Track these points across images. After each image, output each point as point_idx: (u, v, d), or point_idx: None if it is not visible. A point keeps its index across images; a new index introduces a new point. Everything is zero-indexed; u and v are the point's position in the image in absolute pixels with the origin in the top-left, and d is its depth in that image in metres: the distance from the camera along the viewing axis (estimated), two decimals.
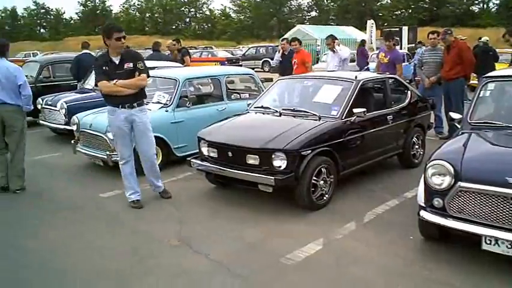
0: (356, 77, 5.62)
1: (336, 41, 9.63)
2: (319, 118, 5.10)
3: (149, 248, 4.11)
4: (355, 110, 5.14)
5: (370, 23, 26.09)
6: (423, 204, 3.73)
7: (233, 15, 73.39)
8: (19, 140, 5.67)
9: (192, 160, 5.41)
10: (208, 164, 5.17)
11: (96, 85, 4.94)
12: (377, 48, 22.76)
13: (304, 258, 3.83)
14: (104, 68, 4.82)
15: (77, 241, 4.32)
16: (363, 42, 18.18)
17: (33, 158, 7.39)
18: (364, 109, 5.16)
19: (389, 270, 3.63)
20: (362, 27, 33.05)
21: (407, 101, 6.27)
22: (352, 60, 14.08)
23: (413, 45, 24.16)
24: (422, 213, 3.73)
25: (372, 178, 5.90)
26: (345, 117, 5.15)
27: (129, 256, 3.98)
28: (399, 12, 60.03)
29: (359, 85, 5.49)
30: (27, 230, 4.64)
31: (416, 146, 6.37)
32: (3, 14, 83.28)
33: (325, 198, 4.94)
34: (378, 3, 61.45)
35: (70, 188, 5.97)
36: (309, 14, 70.90)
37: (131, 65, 4.85)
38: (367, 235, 4.28)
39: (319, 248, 4.01)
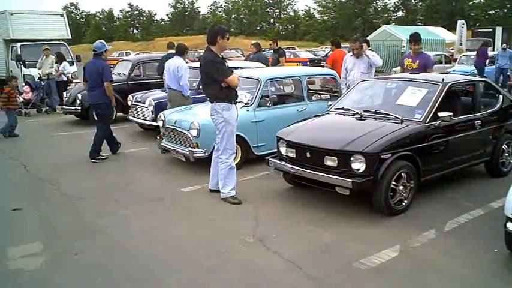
0: (443, 80, 5.38)
1: (364, 45, 8.01)
2: (402, 121, 4.94)
3: (225, 243, 4.22)
4: (440, 114, 4.93)
5: (461, 23, 24.80)
6: (511, 216, 3.51)
7: (317, 15, 73.01)
8: None
9: (270, 159, 5.48)
10: (286, 164, 5.20)
11: (222, 80, 5.07)
12: (466, 50, 21.55)
13: (379, 264, 3.74)
14: (224, 65, 5.17)
15: (158, 232, 4.53)
16: (486, 42, 17.12)
17: (123, 151, 7.89)
18: (451, 113, 4.93)
19: (469, 283, 3.46)
20: (452, 28, 31.49)
21: (498, 105, 5.91)
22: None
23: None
24: (510, 225, 3.50)
25: (455, 185, 5.63)
26: (429, 121, 4.96)
27: (206, 249, 4.11)
28: (493, 11, 56.28)
29: (446, 88, 5.26)
30: (117, 219, 4.95)
31: (506, 154, 5.97)
32: (100, 16, 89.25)
33: (404, 204, 4.79)
34: (470, 3, 58.16)
35: (154, 181, 6.29)
36: (395, 14, 68.85)
37: (226, 64, 5.24)
38: (447, 245, 4.09)
39: (395, 255, 3.90)
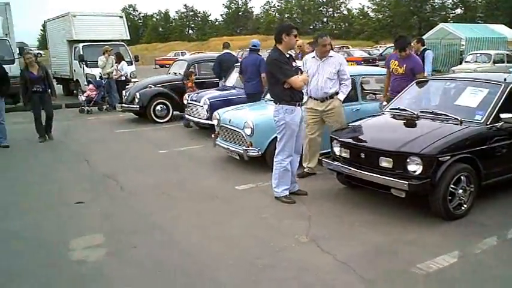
0: (505, 79, 5.16)
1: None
2: (461, 122, 4.79)
3: (278, 241, 4.25)
4: (502, 116, 4.74)
5: None
6: None
7: (371, 14, 71.63)
8: None
9: (324, 159, 5.46)
10: (340, 164, 5.17)
11: (284, 81, 5.00)
12: None
13: (436, 270, 3.64)
14: (289, 65, 5.08)
15: (212, 229, 4.63)
16: None
17: (178, 148, 8.12)
18: None
19: None
20: None
21: None
22: None
23: None
24: None
25: None
26: (491, 123, 4.77)
27: (259, 248, 4.15)
28: None
29: (508, 88, 5.04)
30: (173, 215, 5.09)
31: None
32: (157, 17, 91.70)
33: (463, 208, 4.63)
34: None
35: (209, 178, 6.41)
36: (453, 11, 66.42)
37: (294, 64, 5.17)
38: (510, 252, 3.93)
39: (453, 261, 3.78)
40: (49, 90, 9.18)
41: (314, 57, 5.98)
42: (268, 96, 6.71)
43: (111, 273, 3.77)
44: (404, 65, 6.52)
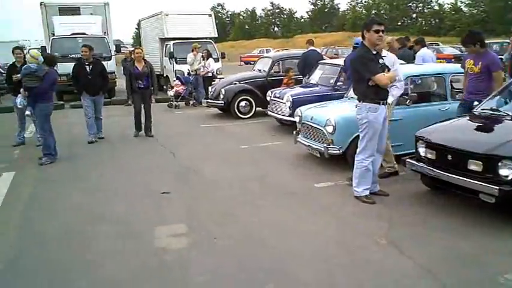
0: None
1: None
2: None
3: (356, 242, 4.20)
4: None
5: None
6: None
7: (464, 9, 67.57)
8: None
9: (407, 160, 5.28)
10: (425, 166, 4.97)
11: (369, 79, 4.90)
12: None
13: None
14: (375, 61, 4.96)
15: (290, 225, 4.66)
16: None
17: (259, 144, 8.25)
18: None
19: None
20: None
21: None
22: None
23: None
24: None
25: None
26: None
27: (337, 246, 4.13)
28: None
29: None
30: (252, 209, 5.19)
31: None
32: (244, 15, 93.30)
33: None
34: None
35: (288, 174, 6.46)
36: None
37: (381, 61, 5.01)
38: None
39: None
40: (151, 88, 9.37)
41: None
42: (351, 93, 6.61)
43: (192, 261, 3.93)
44: (480, 63, 5.88)
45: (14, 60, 8.59)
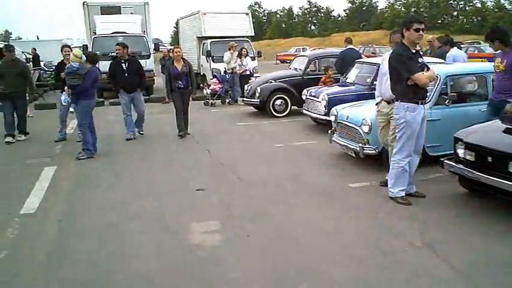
0: None
1: None
2: None
3: (391, 243, 4.15)
4: None
5: None
6: None
7: (508, 6, 65.20)
8: None
9: (445, 161, 5.17)
10: (463, 167, 4.85)
11: (408, 77, 4.82)
12: None
13: None
14: (413, 60, 4.86)
15: (324, 225, 4.65)
16: None
17: (294, 143, 8.25)
18: None
19: None
20: None
21: None
22: None
23: None
24: None
25: None
26: None
27: (371, 247, 4.09)
28: None
29: None
30: (285, 208, 5.20)
31: None
32: (281, 13, 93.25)
33: None
34: None
35: (323, 174, 6.44)
36: None
37: (420, 60, 4.93)
38: None
39: None
40: (190, 88, 9.30)
41: None
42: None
43: (226, 258, 3.97)
44: (505, 61, 5.65)
45: (63, 58, 8.94)
